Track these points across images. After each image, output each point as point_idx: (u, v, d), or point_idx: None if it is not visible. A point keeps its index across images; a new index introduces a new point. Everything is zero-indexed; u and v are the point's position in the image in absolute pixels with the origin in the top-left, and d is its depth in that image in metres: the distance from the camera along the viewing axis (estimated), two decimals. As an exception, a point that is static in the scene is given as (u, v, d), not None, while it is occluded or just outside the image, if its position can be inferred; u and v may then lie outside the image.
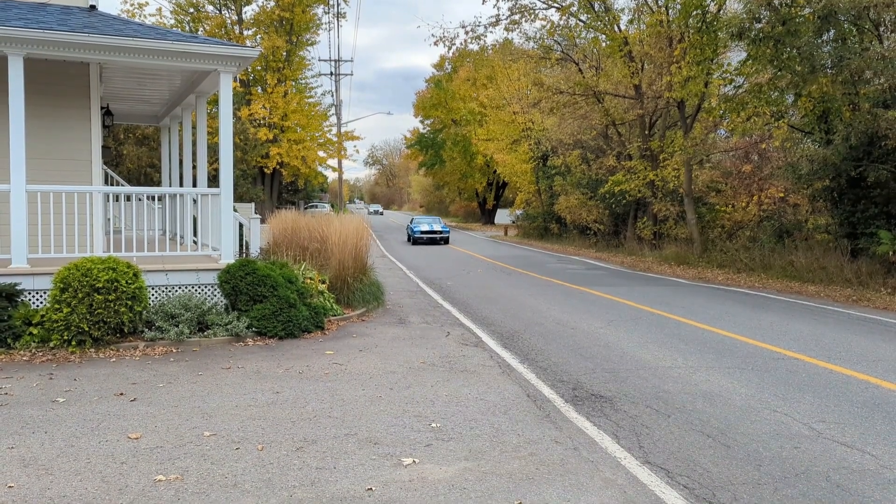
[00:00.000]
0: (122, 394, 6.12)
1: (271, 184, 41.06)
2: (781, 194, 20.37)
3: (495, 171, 47.60)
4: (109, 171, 13.95)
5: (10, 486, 4.12)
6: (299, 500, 4.08)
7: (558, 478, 4.56)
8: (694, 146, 21.66)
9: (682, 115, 22.61)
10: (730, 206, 22.59)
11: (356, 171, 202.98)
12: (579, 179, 30.27)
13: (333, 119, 46.35)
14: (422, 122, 62.58)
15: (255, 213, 15.10)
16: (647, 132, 25.38)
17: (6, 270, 7.94)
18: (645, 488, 4.45)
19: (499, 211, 55.63)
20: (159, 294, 8.78)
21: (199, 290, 9.00)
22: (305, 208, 38.24)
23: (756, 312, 11.95)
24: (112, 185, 14.10)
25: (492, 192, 56.18)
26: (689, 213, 22.46)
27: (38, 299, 8.07)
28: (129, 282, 7.69)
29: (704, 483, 4.57)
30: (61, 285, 7.44)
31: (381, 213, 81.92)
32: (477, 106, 48.11)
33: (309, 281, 10.17)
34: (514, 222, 42.84)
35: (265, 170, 38.40)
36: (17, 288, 7.70)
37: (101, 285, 7.44)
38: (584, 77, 25.48)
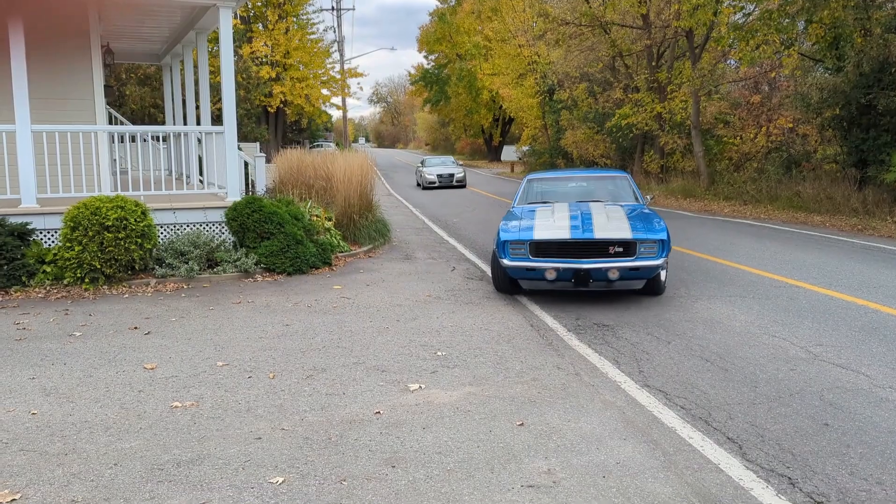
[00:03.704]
0: (136, 328, 6.30)
1: (276, 123, 40.76)
2: (790, 125, 20.12)
3: (501, 107, 46.97)
4: (113, 111, 13.90)
5: (33, 413, 4.31)
6: (310, 423, 4.25)
7: (559, 401, 4.72)
8: (702, 77, 21.30)
9: (691, 44, 22.15)
10: (738, 137, 22.35)
11: (361, 109, 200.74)
12: (586, 113, 29.91)
13: (336, 56, 45.61)
14: (426, 57, 61.48)
15: (260, 152, 15.08)
16: (654, 63, 24.93)
17: (17, 210, 8.04)
18: (643, 409, 4.61)
19: (505, 147, 55.14)
20: (168, 232, 8.89)
21: (207, 228, 9.11)
22: (311, 148, 38.10)
23: (760, 242, 12.01)
24: (116, 125, 14.07)
25: (498, 129, 55.59)
26: (697, 146, 22.26)
27: (49, 238, 8.20)
28: (138, 220, 7.79)
29: (701, 404, 4.72)
30: (71, 224, 7.55)
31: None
32: (482, 39, 47.15)
33: (315, 218, 10.26)
34: (520, 159, 42.56)
35: (269, 109, 38.07)
36: (29, 227, 7.82)
37: (110, 223, 7.55)
38: (590, 7, 24.87)
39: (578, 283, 7.26)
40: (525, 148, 41.35)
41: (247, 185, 12.49)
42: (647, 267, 7.14)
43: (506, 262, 7.43)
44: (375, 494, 3.41)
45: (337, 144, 46.67)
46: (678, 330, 6.54)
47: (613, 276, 7.12)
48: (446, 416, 4.41)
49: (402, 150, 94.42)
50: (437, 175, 27.29)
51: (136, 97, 25.86)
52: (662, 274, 7.72)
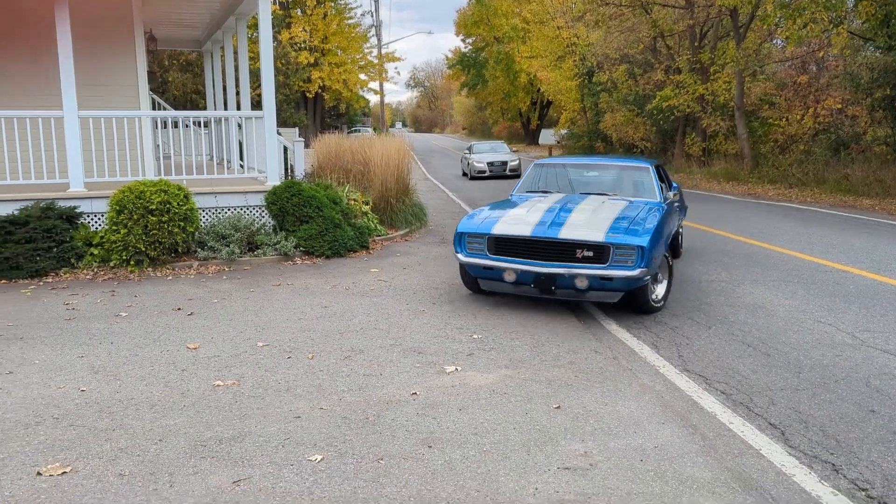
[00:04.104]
0: (179, 308, 6.44)
1: (314, 109, 41.04)
2: (839, 105, 19.52)
3: (539, 90, 46.52)
4: (156, 97, 14.15)
5: (82, 390, 4.44)
6: (348, 403, 4.31)
7: (597, 384, 4.69)
8: (747, 57, 20.77)
9: (735, 23, 21.60)
10: (783, 119, 21.77)
11: (398, 94, 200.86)
12: (626, 96, 29.44)
13: (373, 41, 45.65)
14: (463, 40, 61.12)
15: (299, 137, 15.21)
16: (697, 44, 24.39)
17: (65, 194, 8.26)
18: (682, 394, 4.56)
19: (543, 131, 54.66)
20: (209, 215, 9.05)
21: (248, 212, 9.24)
22: (349, 133, 38.33)
23: (805, 226, 11.72)
24: (159, 111, 14.32)
25: (535, 112, 55.10)
26: (741, 128, 21.76)
27: (96, 221, 8.41)
28: (181, 203, 7.94)
29: (742, 389, 4.65)
30: (117, 207, 7.73)
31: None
32: (520, 22, 46.65)
33: (353, 202, 10.33)
34: (558, 142, 42.14)
35: (307, 94, 38.34)
36: (77, 211, 8.02)
37: (154, 207, 7.71)
38: (631, -13, 24.40)
39: (540, 289, 6.20)
40: (563, 131, 40.93)
41: (286, 169, 12.63)
42: (621, 278, 5.87)
43: (461, 257, 6.52)
44: (412, 474, 3.44)
45: (374, 129, 46.80)
46: (719, 315, 6.44)
47: (581, 284, 5.96)
48: (482, 398, 4.42)
49: (439, 135, 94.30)
50: (488, 163, 23.94)
51: (179, 83, 26.27)
52: (659, 288, 6.53)
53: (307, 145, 15.76)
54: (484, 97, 60.14)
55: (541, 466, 3.54)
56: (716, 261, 8.88)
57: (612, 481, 3.40)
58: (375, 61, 43.10)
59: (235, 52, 13.44)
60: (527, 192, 7.92)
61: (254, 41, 24.05)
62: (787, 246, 9.82)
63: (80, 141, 8.37)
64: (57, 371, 4.77)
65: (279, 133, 11.60)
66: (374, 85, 44.91)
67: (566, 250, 6.10)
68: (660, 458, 3.65)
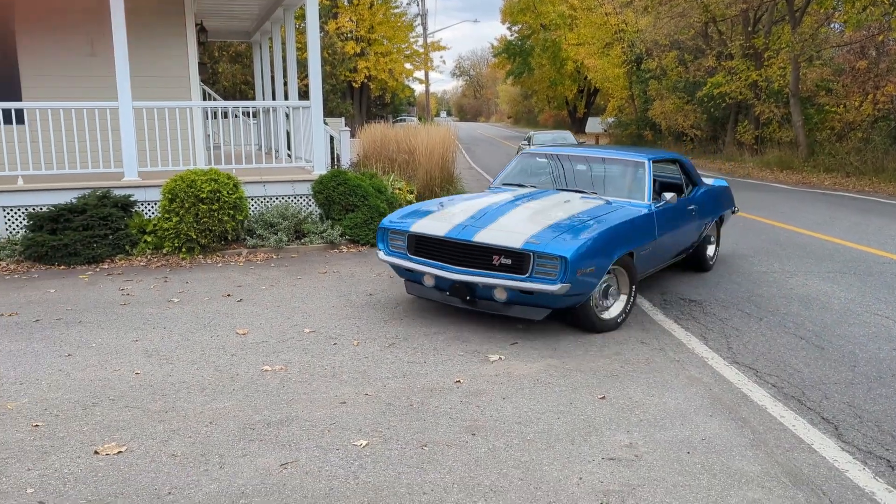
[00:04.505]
0: (229, 295, 6.58)
1: (360, 98, 41.31)
2: (900, 91, 18.78)
3: (586, 78, 45.92)
4: (207, 88, 14.42)
5: (136, 373, 4.58)
6: (392, 389, 4.35)
7: (643, 376, 4.64)
8: (802, 42, 20.13)
9: (791, 7, 20.94)
10: (841, 106, 21.05)
11: (443, 83, 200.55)
12: (675, 83, 28.85)
13: (419, 30, 45.65)
14: (509, 28, 60.66)
15: (345, 127, 15.34)
16: (750, 29, 23.73)
17: (120, 183, 8.50)
18: (731, 386, 4.47)
19: (590, 119, 53.98)
20: (258, 204, 9.20)
21: (295, 201, 9.37)
22: (394, 122, 38.44)
23: (863, 217, 11.34)
24: (210, 101, 14.60)
25: (582, 100, 54.44)
26: (795, 115, 21.13)
27: (149, 209, 8.63)
28: (230, 192, 8.09)
29: (794, 382, 4.54)
30: (169, 196, 7.92)
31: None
32: (567, 9, 46.05)
33: (397, 191, 10.38)
34: (605, 130, 41.57)
35: (353, 84, 38.59)
36: (131, 199, 8.25)
37: (204, 196, 7.87)
38: (682, -29, 23.86)
39: (459, 298, 5.47)
40: (610, 119, 40.35)
41: (332, 158, 12.75)
42: (542, 292, 5.00)
43: (381, 255, 5.93)
44: (456, 460, 3.46)
45: (419, 118, 46.90)
46: (771, 306, 6.29)
47: (500, 296, 5.23)
48: (526, 387, 4.42)
49: (484, 124, 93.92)
50: None
51: (229, 74, 26.71)
52: (616, 306, 5.65)
53: (353, 135, 15.89)
54: (530, 85, 59.68)
55: (585, 456, 3.52)
56: (768, 251, 8.66)
57: (657, 473, 3.37)
58: (421, 50, 43.13)
59: (283, 43, 13.58)
60: (503, 184, 7.13)
61: (301, 32, 24.32)
62: (842, 236, 9.52)
63: (134, 131, 8.59)
64: (113, 354, 4.93)
65: (325, 123, 11.71)
66: (420, 74, 45.01)
67: (482, 256, 5.29)
68: (707, 450, 3.60)
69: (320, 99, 9.51)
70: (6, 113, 8.99)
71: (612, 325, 5.61)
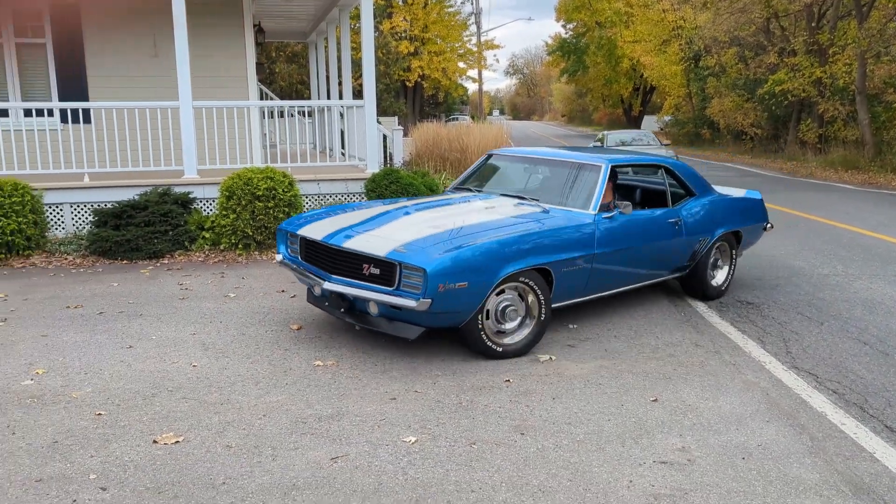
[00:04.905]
0: (283, 291, 6.70)
1: (413, 98, 41.54)
2: (976, 88, 17.92)
3: (642, 76, 45.18)
4: (264, 88, 14.72)
5: (193, 365, 4.71)
6: (442, 387, 4.36)
7: (696, 378, 4.54)
8: (870, 38, 19.38)
9: (857, 1, 20.18)
10: (911, 103, 20.21)
11: (496, 82, 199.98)
12: (735, 80, 28.14)
13: (473, 28, 45.64)
14: (564, 26, 60.09)
15: (398, 126, 15.46)
16: (814, 24, 22.97)
17: (180, 180, 8.75)
18: (789, 391, 4.34)
19: (645, 118, 53.12)
20: (312, 202, 9.35)
21: (348, 199, 9.49)
22: (446, 121, 38.50)
23: (934, 219, 10.87)
24: (266, 101, 14.90)
25: (638, 98, 53.56)
26: (862, 113, 20.37)
27: (207, 206, 8.86)
28: (286, 190, 8.24)
29: (856, 389, 4.39)
30: (227, 193, 8.12)
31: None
32: (623, 6, 45.38)
33: (450, 189, 10.40)
34: (661, 129, 40.84)
35: (407, 83, 38.83)
36: (190, 196, 8.48)
37: (260, 193, 8.04)
38: (743, -35, 23.25)
39: (338, 309, 5.06)
40: (667, 118, 39.64)
41: (385, 157, 12.88)
42: (408, 308, 4.43)
43: (278, 257, 5.61)
44: (504, 459, 3.45)
45: (472, 117, 46.88)
46: (833, 310, 6.08)
47: (373, 310, 4.74)
48: (576, 387, 4.37)
49: (538, 122, 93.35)
50: None
51: (285, 74, 27.19)
52: (523, 333, 4.94)
53: (405, 134, 16.01)
54: (584, 84, 59.02)
55: (636, 459, 3.47)
56: (831, 253, 8.38)
57: (711, 478, 3.29)
58: (474, 49, 43.11)
59: (338, 43, 13.78)
60: (455, 187, 6.65)
61: (356, 32, 24.59)
62: (911, 239, 9.15)
63: (194, 130, 8.82)
64: (171, 346, 5.07)
65: (379, 122, 11.83)
66: (473, 73, 44.98)
67: (353, 264, 4.83)
68: (763, 456, 3.50)
69: (374, 98, 9.60)
70: (74, 112, 9.35)
71: (515, 353, 4.88)
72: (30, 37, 10.08)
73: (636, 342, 5.27)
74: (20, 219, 7.62)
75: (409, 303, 4.39)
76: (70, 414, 3.93)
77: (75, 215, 8.60)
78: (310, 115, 14.07)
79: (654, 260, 5.97)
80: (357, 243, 4.85)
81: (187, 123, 8.71)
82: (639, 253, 5.71)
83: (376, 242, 4.77)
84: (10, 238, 7.56)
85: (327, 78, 15.23)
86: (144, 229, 7.93)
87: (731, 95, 27.91)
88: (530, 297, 4.95)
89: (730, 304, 6.38)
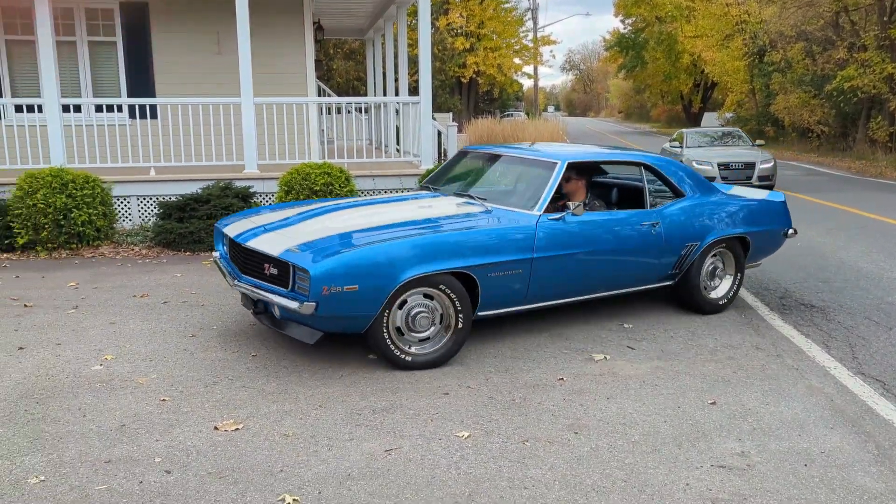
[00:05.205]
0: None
1: (468, 94, 41.54)
2: None
3: (703, 71, 44.14)
4: (322, 84, 14.94)
5: (253, 355, 4.82)
6: (494, 383, 4.37)
7: (757, 382, 4.43)
8: (948, 30, 18.51)
9: (936, -7, 19.30)
10: None
11: (552, 77, 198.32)
12: (801, 76, 27.23)
13: (529, 24, 45.37)
14: (622, 21, 59.13)
15: (453, 122, 15.49)
16: (886, 18, 22.06)
17: (241, 175, 8.96)
18: (855, 398, 4.20)
19: (706, 114, 51.91)
20: (368, 197, 9.45)
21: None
22: (501, 117, 38.32)
23: None
24: (324, 97, 15.12)
25: (698, 95, 52.33)
26: (937, 110, 19.48)
27: (267, 200, 9.05)
28: (342, 185, 8.36)
29: (927, 398, 4.21)
30: (286, 188, 8.28)
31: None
32: (684, 0, 44.43)
33: (505, 186, 10.37)
34: (722, 125, 39.88)
35: (462, 80, 38.85)
36: (251, 190, 8.68)
37: (318, 188, 8.18)
38: (811, -43, 22.51)
39: (252, 310, 4.89)
40: (728, 115, 38.66)
41: (439, 153, 12.90)
42: (295, 311, 4.23)
43: (214, 254, 5.38)
44: (557, 457, 3.44)
45: (527, 114, 46.59)
46: (902, 315, 5.85)
47: (276, 311, 4.53)
48: (631, 388, 4.32)
49: (594, 119, 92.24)
50: (721, 165, 14.26)
51: (342, 71, 27.55)
52: (435, 341, 4.61)
53: (460, 130, 16.02)
54: (642, 79, 57.98)
55: (693, 462, 3.41)
56: (901, 256, 8.06)
57: (771, 484, 3.21)
58: (530, 45, 42.85)
59: (395, 40, 13.88)
60: (422, 185, 6.34)
61: (413, 28, 24.73)
62: None
63: (255, 126, 9.03)
64: (232, 337, 5.21)
65: (433, 118, 11.88)
66: (528, 69, 44.72)
67: (258, 264, 4.67)
68: (826, 464, 3.40)
69: (430, 94, 9.66)
70: (141, 108, 9.68)
71: (428, 364, 4.56)
72: (101, 35, 10.46)
73: (693, 343, 5.17)
74: (91, 210, 7.93)
75: (293, 304, 4.20)
76: (136, 399, 4.08)
77: (142, 208, 8.90)
78: (366, 111, 14.22)
79: (624, 266, 5.44)
80: (259, 242, 4.68)
81: (248, 119, 8.91)
82: (599, 258, 5.21)
83: (277, 242, 4.58)
84: (81, 229, 7.87)
85: (384, 74, 15.37)
86: (207, 222, 8.16)
87: (796, 92, 27.02)
88: (447, 304, 4.58)
89: (793, 306, 6.20)
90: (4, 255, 7.85)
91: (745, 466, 3.37)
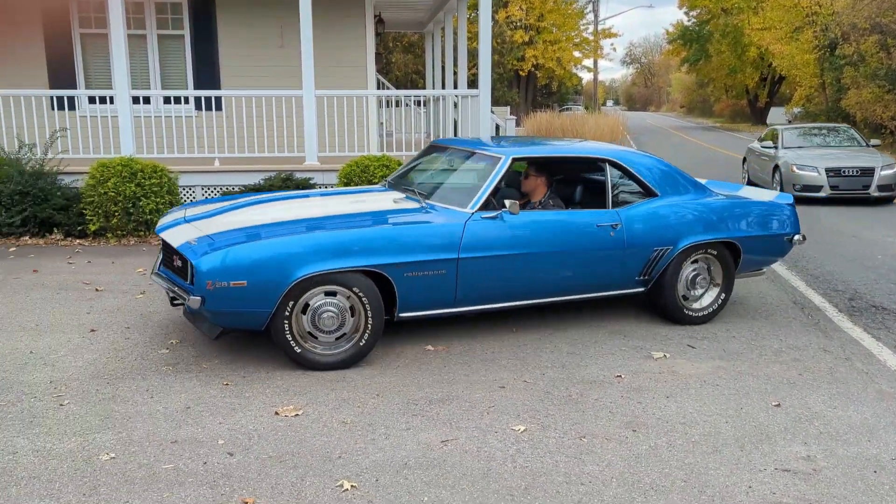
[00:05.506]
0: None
1: (526, 87, 41.25)
2: None
3: (770, 65, 42.78)
4: (381, 77, 15.06)
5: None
6: (551, 378, 4.34)
7: (824, 385, 4.29)
8: None
9: None
10: None
11: (612, 71, 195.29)
12: (875, 70, 26.11)
13: (590, 17, 44.73)
14: (686, 13, 57.73)
15: (511, 115, 15.41)
16: (972, 7, 20.94)
17: (302, 167, 9.11)
18: (930, 405, 4.03)
19: (772, 109, 50.32)
20: (425, 190, 9.50)
21: (460, 187, 9.57)
22: (560, 111, 37.91)
23: None
24: (382, 90, 15.23)
25: (765, 89, 50.75)
26: None
27: (326, 193, 9.19)
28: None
29: None
30: (345, 180, 8.39)
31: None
32: (752, -9, 43.10)
33: (563, 180, 10.28)
34: (790, 122, 38.59)
35: (520, 72, 38.60)
36: (311, 182, 8.82)
37: (376, 181, 8.25)
38: (890, -55, 21.50)
39: (174, 302, 4.92)
40: (796, 110, 37.40)
41: (498, 147, 12.87)
42: (188, 304, 4.22)
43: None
44: (615, 455, 3.40)
45: (585, 107, 46.03)
46: (983, 321, 5.57)
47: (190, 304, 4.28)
48: (692, 387, 4.24)
49: (654, 113, 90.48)
50: (829, 171, 11.72)
51: (401, 64, 27.72)
52: (346, 342, 4.42)
53: (518, 123, 15.93)
54: (706, 73, 56.56)
55: (755, 465, 3.32)
56: (982, 259, 7.67)
57: (838, 489, 3.11)
58: (591, 38, 42.24)
59: (455, 33, 13.88)
60: (390, 180, 5.93)
61: (472, 21, 24.69)
62: None
63: (316, 118, 9.16)
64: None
65: (492, 111, 11.84)
66: (588, 62, 44.10)
67: (169, 255, 4.62)
68: (898, 473, 3.27)
69: (489, 88, 9.63)
70: (207, 100, 9.93)
71: (334, 364, 4.39)
72: (170, 29, 10.77)
73: (757, 344, 5.04)
74: (158, 199, 8.19)
75: (188, 298, 4.15)
76: (201, 382, 4.20)
77: (206, 197, 9.15)
78: (424, 104, 14.27)
79: (578, 270, 5.02)
80: (170, 232, 4.67)
81: (309, 112, 9.05)
82: (544, 261, 4.86)
83: (184, 233, 4.53)
84: (149, 217, 8.14)
85: (442, 67, 15.39)
86: (268, 212, 8.33)
87: (870, 86, 25.92)
88: (357, 304, 4.40)
89: (863, 308, 5.97)
90: (77, 241, 8.18)
91: (811, 471, 3.27)
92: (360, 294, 4.37)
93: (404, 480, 3.15)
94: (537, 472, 3.23)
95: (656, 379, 4.36)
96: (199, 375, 4.30)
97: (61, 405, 3.86)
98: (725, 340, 5.10)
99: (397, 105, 14.37)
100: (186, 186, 9.03)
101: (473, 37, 19.86)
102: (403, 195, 5.26)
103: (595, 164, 5.47)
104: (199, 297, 4.08)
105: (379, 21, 13.83)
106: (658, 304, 5.42)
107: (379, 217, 4.83)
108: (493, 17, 34.94)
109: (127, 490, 3.04)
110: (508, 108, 28.57)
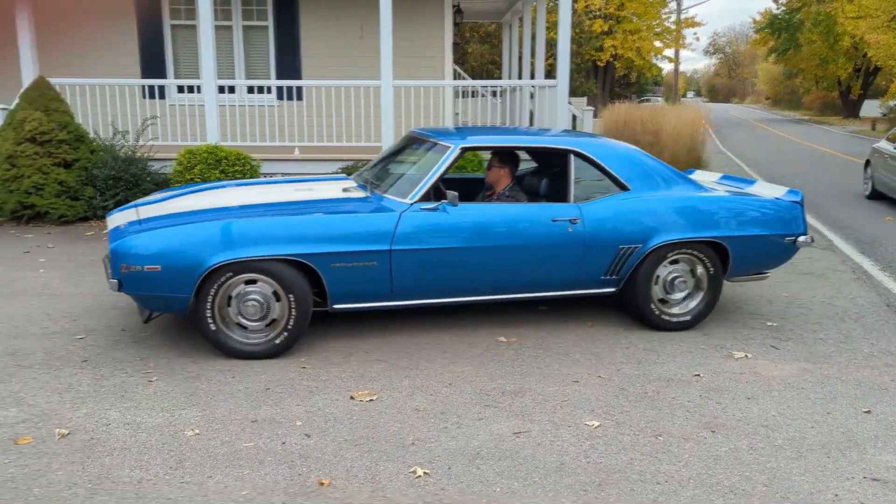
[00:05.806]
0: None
1: (604, 78, 40.49)
2: None
3: (864, 55, 40.61)
4: (457, 68, 15.07)
5: (384, 331, 4.98)
6: (626, 375, 4.27)
7: (920, 393, 4.07)
8: None
9: None
10: None
11: (693, 61, 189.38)
12: (983, 59, 24.42)
13: (672, 6, 43.49)
14: (775, 1, 55.43)
15: (588, 106, 15.18)
16: None
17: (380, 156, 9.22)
18: None
19: (866, 102, 47.79)
20: (500, 181, 9.46)
21: (535, 179, 9.50)
22: (639, 102, 37.05)
23: None
24: (459, 80, 15.25)
25: (858, 80, 48.22)
26: None
27: (401, 182, 9.28)
28: (475, 168, 8.42)
29: None
30: (420, 170, 8.45)
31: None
32: (847, -23, 40.94)
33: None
34: (884, 115, 36.57)
35: (598, 63, 37.88)
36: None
37: (451, 170, 8.28)
38: None
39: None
40: (892, 102, 35.43)
41: (574, 138, 12.70)
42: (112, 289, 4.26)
43: None
44: (692, 455, 3.32)
45: (665, 98, 44.83)
46: None
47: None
48: (775, 389, 4.09)
49: (737, 105, 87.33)
50: None
51: (477, 54, 27.65)
52: (270, 331, 4.39)
53: (595, 115, 15.67)
54: (795, 63, 54.13)
55: (843, 472, 3.18)
56: None
57: (934, 505, 2.95)
58: (672, 27, 41.05)
59: (533, 23, 13.74)
60: (362, 170, 5.77)
61: (550, 11, 24.38)
62: None
63: (393, 108, 9.26)
64: (367, 312, 5.38)
65: (569, 102, 11.68)
66: (669, 52, 42.84)
67: None
68: None
69: (567, 78, 9.50)
70: (289, 90, 10.17)
71: (260, 354, 4.37)
72: (255, 20, 11.07)
73: (846, 347, 4.81)
74: (241, 186, 8.45)
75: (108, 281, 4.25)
76: (280, 365, 4.32)
77: (286, 185, 9.38)
78: (500, 94, 14.22)
79: (530, 266, 4.74)
80: (115, 217, 4.81)
81: (387, 101, 9.15)
82: (490, 255, 4.63)
83: (122, 218, 4.66)
84: (231, 203, 8.41)
85: (519, 57, 15.26)
86: (345, 201, 8.48)
87: (976, 77, 24.28)
88: (280, 294, 4.32)
89: (964, 314, 5.62)
90: (165, 225, 8.54)
91: (904, 483, 3.11)
92: (285, 283, 4.30)
93: (476, 470, 3.16)
94: (611, 469, 3.19)
95: (737, 379, 4.23)
96: (279, 358, 4.43)
97: (150, 381, 4.05)
98: (812, 342, 4.90)
99: (473, 95, 14.36)
100: (268, 174, 9.28)
101: (551, 26, 19.63)
102: (355, 184, 5.24)
103: (560, 155, 5.08)
104: (115, 280, 4.18)
105: (457, 11, 13.82)
106: (630, 305, 5.07)
107: (314, 206, 4.71)
108: (572, 7, 34.47)
109: (210, 465, 3.17)
110: (586, 98, 28.13)
